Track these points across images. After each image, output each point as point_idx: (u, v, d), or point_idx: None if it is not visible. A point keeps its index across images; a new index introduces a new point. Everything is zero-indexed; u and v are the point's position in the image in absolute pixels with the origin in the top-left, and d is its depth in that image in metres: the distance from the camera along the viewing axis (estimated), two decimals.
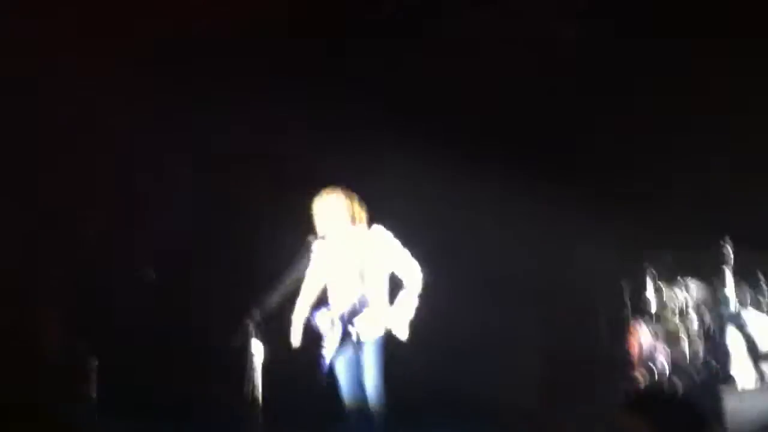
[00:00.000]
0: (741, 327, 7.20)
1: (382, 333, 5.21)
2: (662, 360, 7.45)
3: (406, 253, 5.30)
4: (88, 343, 5.73)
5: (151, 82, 7.08)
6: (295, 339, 5.39)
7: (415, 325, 5.32)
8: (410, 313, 5.22)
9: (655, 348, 7.54)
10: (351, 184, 5.45)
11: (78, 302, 7.02)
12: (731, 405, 6.19)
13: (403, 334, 5.20)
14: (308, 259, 5.23)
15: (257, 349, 4.93)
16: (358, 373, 5.21)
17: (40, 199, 7.23)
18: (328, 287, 5.43)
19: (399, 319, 5.18)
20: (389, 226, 5.39)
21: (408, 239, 5.43)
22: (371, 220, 5.41)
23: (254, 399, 4.88)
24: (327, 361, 5.24)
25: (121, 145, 7.41)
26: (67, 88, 6.91)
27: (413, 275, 5.24)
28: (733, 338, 7.16)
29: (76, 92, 6.96)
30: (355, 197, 5.39)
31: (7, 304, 6.69)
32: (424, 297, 5.35)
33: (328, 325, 5.27)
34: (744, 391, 6.78)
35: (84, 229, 7.23)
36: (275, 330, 5.02)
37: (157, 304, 6.83)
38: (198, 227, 7.57)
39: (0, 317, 6.61)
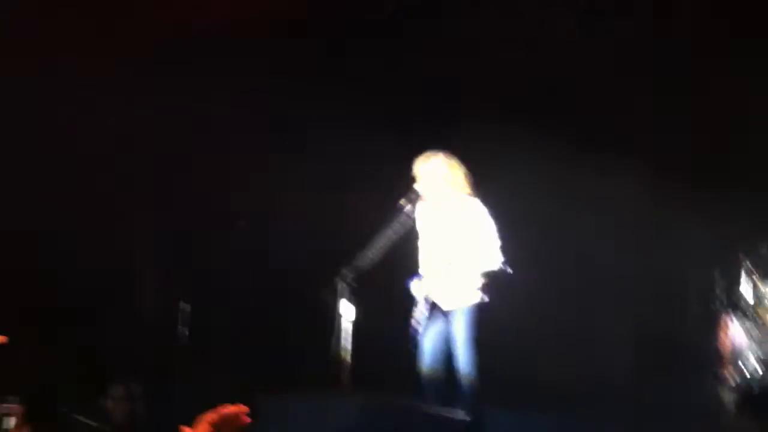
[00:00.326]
0: None
1: (469, 304, 5.10)
2: (753, 360, 7.20)
3: (492, 233, 5.14)
4: (182, 290, 5.80)
5: None
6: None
7: (502, 312, 5.23)
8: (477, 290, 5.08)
9: (746, 346, 7.29)
10: (459, 152, 5.34)
11: (174, 250, 7.13)
12: None
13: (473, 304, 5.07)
14: (402, 221, 5.15)
15: (346, 309, 4.92)
16: (444, 343, 5.13)
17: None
18: (421, 251, 5.35)
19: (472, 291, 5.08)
20: (490, 202, 5.26)
21: (503, 216, 5.30)
22: (475, 190, 5.28)
23: (340, 359, 4.87)
24: (417, 328, 5.19)
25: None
26: None
27: (490, 257, 5.08)
28: None
29: None
30: (459, 164, 5.28)
31: (103, 250, 6.84)
32: (514, 282, 5.26)
33: (421, 291, 5.20)
34: None
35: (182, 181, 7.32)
36: (366, 291, 4.98)
37: (250, 256, 6.88)
38: (293, 184, 7.61)
39: (97, 262, 6.75)
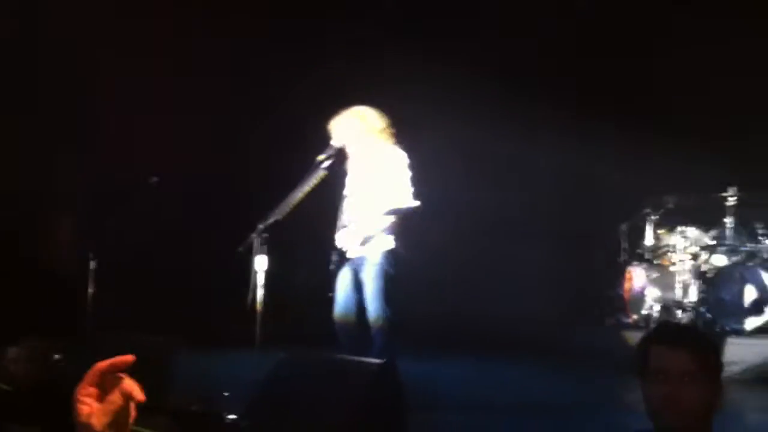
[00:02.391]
0: (737, 275, 7.26)
1: (380, 253, 5.16)
2: (653, 303, 7.53)
3: (403, 177, 5.19)
4: (91, 246, 5.67)
5: None
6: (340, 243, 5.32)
7: (419, 253, 5.30)
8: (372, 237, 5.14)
9: (647, 291, 7.61)
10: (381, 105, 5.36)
11: (83, 205, 7.00)
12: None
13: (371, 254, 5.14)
14: (318, 175, 5.15)
15: (260, 263, 4.92)
16: (355, 290, 5.19)
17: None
18: (344, 200, 5.41)
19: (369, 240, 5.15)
20: (414, 150, 5.30)
21: (425, 166, 5.36)
22: (397, 140, 5.32)
23: (256, 312, 4.88)
24: (334, 276, 5.24)
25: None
26: None
27: (397, 203, 5.14)
28: (729, 286, 7.22)
29: None
30: (379, 115, 5.30)
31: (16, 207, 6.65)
32: (432, 226, 5.34)
33: (341, 239, 5.26)
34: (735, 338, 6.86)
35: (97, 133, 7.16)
36: (281, 244, 4.99)
37: (162, 212, 6.80)
38: (209, 139, 7.55)
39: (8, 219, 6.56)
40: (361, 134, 5.27)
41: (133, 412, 1.39)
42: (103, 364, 1.37)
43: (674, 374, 2.19)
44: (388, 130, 5.32)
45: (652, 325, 7.40)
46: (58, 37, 7.13)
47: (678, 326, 2.49)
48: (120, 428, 1.37)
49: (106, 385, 1.37)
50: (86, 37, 7.09)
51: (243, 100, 8.04)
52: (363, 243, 5.17)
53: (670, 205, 7.73)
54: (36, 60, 7.24)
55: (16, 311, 5.70)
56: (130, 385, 1.38)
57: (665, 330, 2.40)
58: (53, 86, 7.24)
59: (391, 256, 5.16)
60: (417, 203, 5.18)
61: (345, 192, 5.42)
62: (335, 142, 5.24)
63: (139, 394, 1.38)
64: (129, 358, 1.39)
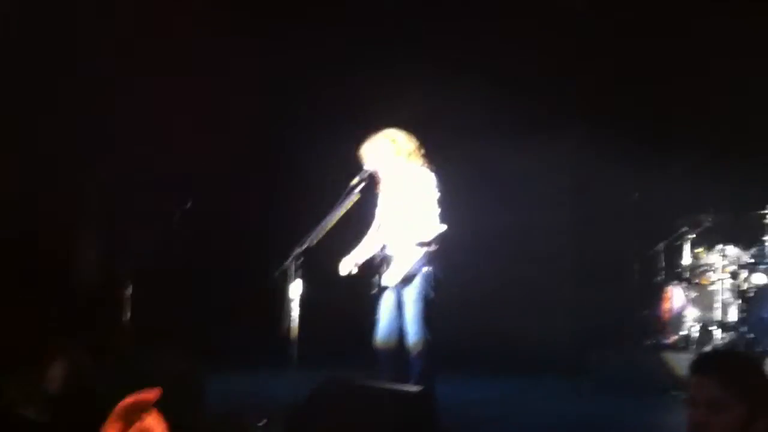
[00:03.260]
0: None
1: (420, 277, 5.13)
2: (692, 323, 7.41)
3: (432, 201, 5.18)
4: (126, 271, 5.72)
5: None
6: (343, 270, 5.32)
7: (452, 278, 5.27)
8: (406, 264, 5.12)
9: (690, 312, 7.49)
10: (410, 127, 5.36)
11: (117, 230, 7.05)
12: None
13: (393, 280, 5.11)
14: (352, 200, 5.15)
15: (296, 288, 4.92)
16: (397, 315, 5.16)
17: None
18: (380, 224, 5.41)
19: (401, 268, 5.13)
20: (443, 173, 5.29)
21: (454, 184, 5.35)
22: (427, 162, 5.31)
23: (291, 337, 4.88)
24: (376, 301, 5.23)
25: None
26: None
27: (427, 226, 5.12)
28: (765, 306, 7.09)
29: None
30: (408, 136, 5.31)
31: (48, 228, 6.72)
32: (461, 250, 5.32)
33: (378, 264, 5.25)
34: None
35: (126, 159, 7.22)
36: (317, 268, 4.99)
37: (197, 238, 6.83)
38: (243, 165, 7.59)
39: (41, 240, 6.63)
40: (392, 157, 5.26)
41: None
42: (128, 401, 1.39)
43: (702, 402, 2.20)
44: (418, 152, 5.32)
45: (692, 346, 7.29)
46: (91, 44, 7.18)
47: (713, 354, 2.48)
48: None
49: (131, 420, 1.39)
50: (121, 49, 7.15)
51: (280, 120, 8.07)
52: (404, 279, 5.15)
53: (708, 224, 7.61)
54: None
55: (50, 332, 5.74)
56: (153, 422, 1.39)
57: (699, 358, 2.37)
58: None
59: (431, 279, 5.14)
60: (444, 227, 5.16)
61: (378, 216, 5.42)
62: (368, 166, 5.25)
63: (161, 430, 1.40)
64: (153, 394, 1.41)
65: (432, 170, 5.28)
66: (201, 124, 7.30)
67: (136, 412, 1.40)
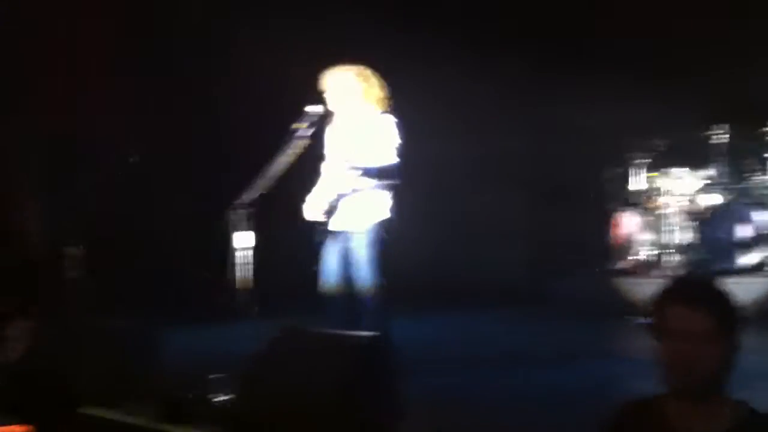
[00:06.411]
0: (730, 215, 7.21)
1: (369, 223, 5.01)
2: (646, 247, 7.49)
3: (394, 146, 5.00)
4: (72, 230, 5.60)
5: None
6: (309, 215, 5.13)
7: (405, 214, 5.17)
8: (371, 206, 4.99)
9: (638, 235, 7.56)
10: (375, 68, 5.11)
11: (63, 188, 6.89)
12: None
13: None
14: (298, 144, 4.97)
15: (240, 239, 4.81)
16: (345, 261, 5.05)
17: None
18: (327, 168, 5.19)
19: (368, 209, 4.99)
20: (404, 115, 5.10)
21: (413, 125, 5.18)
22: (390, 106, 5.04)
23: (239, 285, 4.79)
24: (321, 247, 5.09)
25: None
26: None
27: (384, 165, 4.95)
28: (724, 225, 7.18)
29: None
30: (373, 77, 4.99)
31: None
32: (414, 185, 5.19)
33: (325, 209, 5.06)
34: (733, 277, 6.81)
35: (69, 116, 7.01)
36: (262, 217, 4.87)
37: (143, 190, 6.70)
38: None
39: None
40: (358, 96, 4.95)
41: None
42: None
43: (695, 335, 2.15)
44: (387, 101, 5.02)
45: (648, 271, 7.37)
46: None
47: (697, 283, 2.40)
48: None
49: None
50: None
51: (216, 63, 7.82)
52: (327, 212, 4.97)
53: (661, 148, 7.64)
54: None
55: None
56: None
57: (685, 288, 2.29)
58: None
59: (385, 222, 5.00)
60: (397, 160, 4.97)
61: (328, 158, 5.18)
62: (326, 99, 4.96)
63: None
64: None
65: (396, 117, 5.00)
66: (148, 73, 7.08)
67: None
